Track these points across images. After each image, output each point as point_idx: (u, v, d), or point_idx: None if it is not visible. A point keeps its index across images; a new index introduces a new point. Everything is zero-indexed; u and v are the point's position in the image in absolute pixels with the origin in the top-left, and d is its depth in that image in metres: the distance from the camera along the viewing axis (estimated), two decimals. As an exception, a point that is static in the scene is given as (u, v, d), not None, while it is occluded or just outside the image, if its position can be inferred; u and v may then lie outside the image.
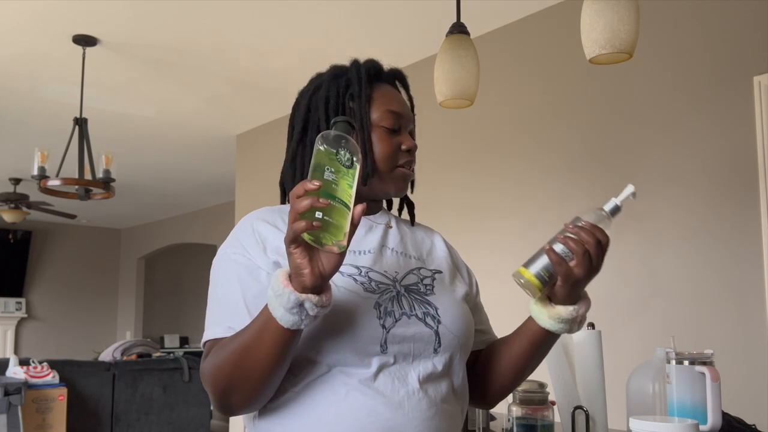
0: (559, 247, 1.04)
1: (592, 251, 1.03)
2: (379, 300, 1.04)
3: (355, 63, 1.18)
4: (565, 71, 3.13)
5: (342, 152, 0.91)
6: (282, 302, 0.89)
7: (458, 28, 2.25)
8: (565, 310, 1.08)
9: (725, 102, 2.57)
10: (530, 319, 1.13)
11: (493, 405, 1.27)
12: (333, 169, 0.90)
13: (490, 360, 1.20)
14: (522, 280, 1.06)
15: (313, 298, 0.89)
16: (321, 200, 0.86)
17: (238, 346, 0.96)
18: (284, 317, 0.89)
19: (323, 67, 1.21)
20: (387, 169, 1.14)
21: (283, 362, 0.96)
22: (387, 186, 1.16)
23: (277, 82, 4.30)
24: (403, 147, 1.14)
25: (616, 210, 1.08)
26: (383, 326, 1.02)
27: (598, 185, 2.98)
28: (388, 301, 1.05)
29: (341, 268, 1.03)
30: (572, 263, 1.03)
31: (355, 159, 0.93)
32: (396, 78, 1.23)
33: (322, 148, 0.91)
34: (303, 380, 1.02)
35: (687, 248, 2.64)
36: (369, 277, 1.07)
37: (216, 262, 1.11)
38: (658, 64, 2.78)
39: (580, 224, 1.04)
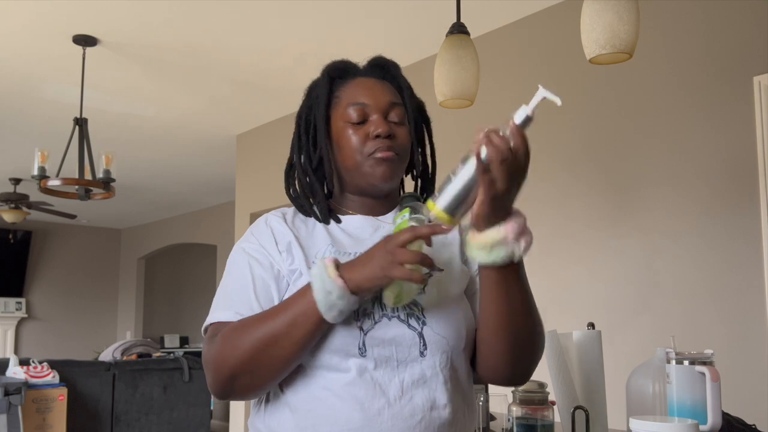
0: (469, 167, 0.93)
1: (511, 157, 0.91)
2: None
3: (323, 70, 1.20)
4: (565, 71, 3.13)
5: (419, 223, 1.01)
6: (340, 306, 0.96)
7: (458, 28, 2.25)
8: (495, 233, 0.95)
9: (725, 102, 2.57)
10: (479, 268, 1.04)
11: (504, 380, 1.12)
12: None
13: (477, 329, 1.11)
14: (430, 216, 0.96)
15: (362, 299, 0.98)
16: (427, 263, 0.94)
17: (266, 332, 0.99)
18: (335, 318, 0.97)
19: (323, 68, 1.22)
20: (357, 163, 1.12)
21: (307, 351, 1.00)
22: (365, 177, 1.13)
23: (277, 82, 4.29)
24: (371, 133, 1.11)
25: (527, 121, 0.94)
26: (360, 328, 1.01)
27: (598, 185, 2.98)
28: (369, 302, 1.03)
29: None
30: (492, 174, 0.92)
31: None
32: (376, 67, 1.20)
33: (415, 215, 1.02)
34: (288, 382, 1.05)
35: (687, 248, 2.64)
36: None
37: (231, 253, 1.15)
38: (658, 64, 2.78)
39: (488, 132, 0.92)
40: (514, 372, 1.09)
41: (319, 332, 0.99)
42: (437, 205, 0.95)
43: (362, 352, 1.01)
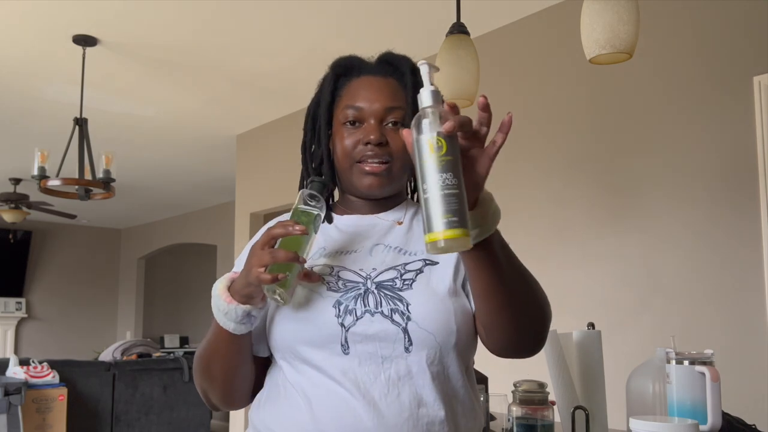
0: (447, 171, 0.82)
1: (485, 124, 0.87)
2: (340, 298, 1.03)
3: (331, 65, 1.18)
4: (565, 71, 3.13)
5: (305, 215, 1.01)
6: (231, 317, 1.00)
7: (458, 28, 2.25)
8: (488, 196, 0.91)
9: (725, 102, 2.57)
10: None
11: (523, 351, 1.06)
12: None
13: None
14: (450, 243, 0.81)
15: (257, 305, 1.00)
16: (290, 258, 0.95)
17: (205, 351, 1.08)
18: (237, 329, 1.01)
19: (323, 67, 1.21)
20: (347, 166, 1.11)
21: (242, 361, 1.07)
22: (353, 183, 1.12)
23: (277, 82, 4.29)
24: (361, 140, 1.09)
25: (438, 94, 0.87)
26: (342, 325, 1.01)
27: (598, 186, 2.98)
28: (352, 299, 1.03)
29: (315, 269, 1.08)
30: (488, 147, 0.87)
31: (315, 223, 1.02)
32: (383, 63, 1.16)
33: (300, 206, 1.02)
34: (278, 381, 1.07)
35: (687, 248, 2.64)
36: (338, 276, 1.07)
37: None
38: (657, 65, 2.78)
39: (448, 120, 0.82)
40: (536, 340, 1.05)
41: (238, 342, 1.04)
42: (440, 229, 0.81)
43: (345, 349, 1.00)
